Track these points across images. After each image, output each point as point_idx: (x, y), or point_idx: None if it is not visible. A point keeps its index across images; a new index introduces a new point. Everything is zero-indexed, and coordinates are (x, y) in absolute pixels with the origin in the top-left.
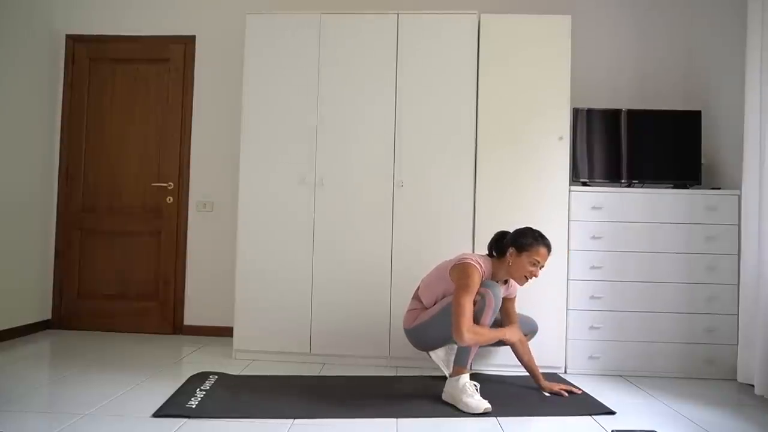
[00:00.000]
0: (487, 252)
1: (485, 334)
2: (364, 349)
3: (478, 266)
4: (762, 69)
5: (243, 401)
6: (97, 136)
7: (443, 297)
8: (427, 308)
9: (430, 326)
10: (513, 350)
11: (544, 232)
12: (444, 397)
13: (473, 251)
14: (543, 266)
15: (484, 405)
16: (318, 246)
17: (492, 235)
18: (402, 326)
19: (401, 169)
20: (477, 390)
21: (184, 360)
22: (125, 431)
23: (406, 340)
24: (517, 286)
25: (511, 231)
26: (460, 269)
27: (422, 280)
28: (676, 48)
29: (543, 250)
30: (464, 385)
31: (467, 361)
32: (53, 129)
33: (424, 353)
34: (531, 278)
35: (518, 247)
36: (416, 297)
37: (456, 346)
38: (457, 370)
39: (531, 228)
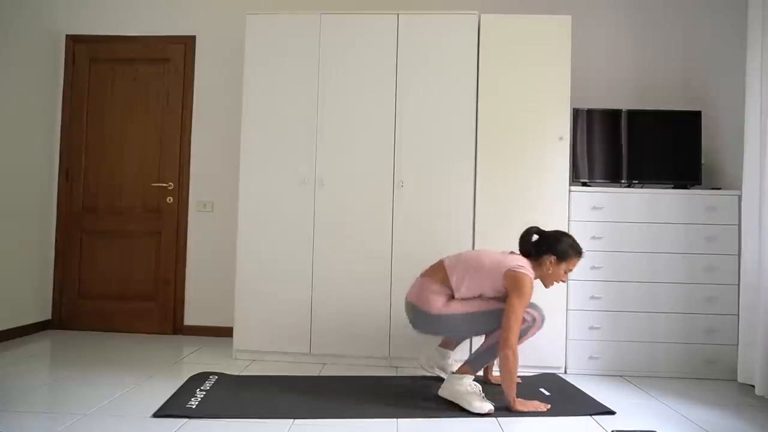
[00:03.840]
0: (519, 249)
1: (513, 369)
2: (364, 349)
3: (532, 278)
4: (762, 69)
5: (243, 401)
6: (97, 137)
7: (481, 294)
8: (455, 296)
9: (463, 321)
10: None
11: None
12: (442, 393)
13: (473, 248)
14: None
15: (488, 406)
16: (318, 246)
17: (521, 234)
18: (410, 301)
19: (401, 169)
20: (480, 391)
21: (184, 360)
22: (125, 431)
23: (406, 340)
24: None
25: (545, 232)
26: (518, 279)
27: (457, 261)
28: (676, 48)
29: (580, 261)
30: (470, 385)
31: (480, 368)
32: (53, 129)
33: (421, 356)
34: (558, 283)
35: (560, 256)
36: (440, 278)
37: (450, 353)
38: (465, 369)
39: (571, 236)
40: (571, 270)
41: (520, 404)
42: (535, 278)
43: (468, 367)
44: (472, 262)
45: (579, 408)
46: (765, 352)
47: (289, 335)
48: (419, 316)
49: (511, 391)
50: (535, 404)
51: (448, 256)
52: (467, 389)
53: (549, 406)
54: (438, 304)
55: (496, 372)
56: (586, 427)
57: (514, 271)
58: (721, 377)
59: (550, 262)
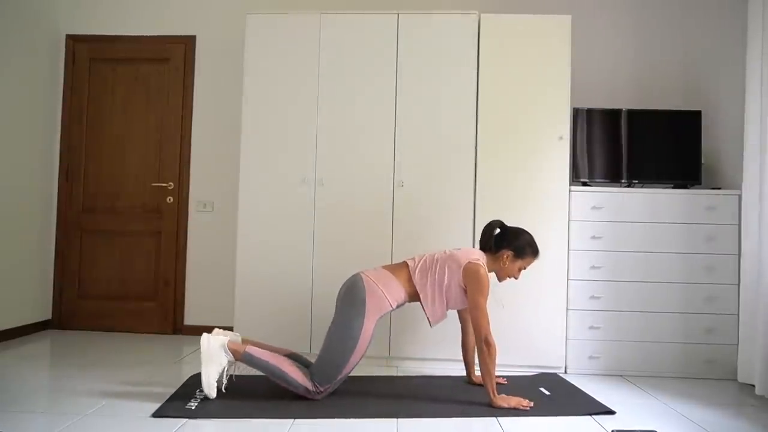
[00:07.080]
0: (480, 241)
1: (490, 361)
2: None
3: (486, 271)
4: (762, 69)
5: (243, 401)
6: (97, 136)
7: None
8: (420, 293)
9: (352, 345)
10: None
11: (544, 232)
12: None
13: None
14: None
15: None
16: (318, 246)
17: (484, 226)
18: (361, 276)
19: (401, 169)
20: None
21: (184, 360)
22: (125, 431)
23: (406, 339)
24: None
25: (507, 226)
26: (475, 273)
27: (419, 267)
28: (676, 48)
29: (535, 261)
30: (221, 359)
31: (248, 364)
32: (53, 129)
33: (425, 355)
34: (511, 278)
35: (517, 252)
36: (404, 276)
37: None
38: (236, 349)
39: (530, 235)
40: (524, 269)
41: (502, 399)
42: (490, 271)
43: (240, 353)
44: (437, 264)
45: (579, 408)
46: (765, 352)
47: (289, 335)
48: (353, 299)
49: (489, 386)
50: (517, 400)
51: (409, 260)
52: (219, 353)
53: (531, 403)
54: (376, 305)
55: (478, 373)
56: (586, 427)
57: (472, 263)
58: (721, 377)
59: (507, 257)
